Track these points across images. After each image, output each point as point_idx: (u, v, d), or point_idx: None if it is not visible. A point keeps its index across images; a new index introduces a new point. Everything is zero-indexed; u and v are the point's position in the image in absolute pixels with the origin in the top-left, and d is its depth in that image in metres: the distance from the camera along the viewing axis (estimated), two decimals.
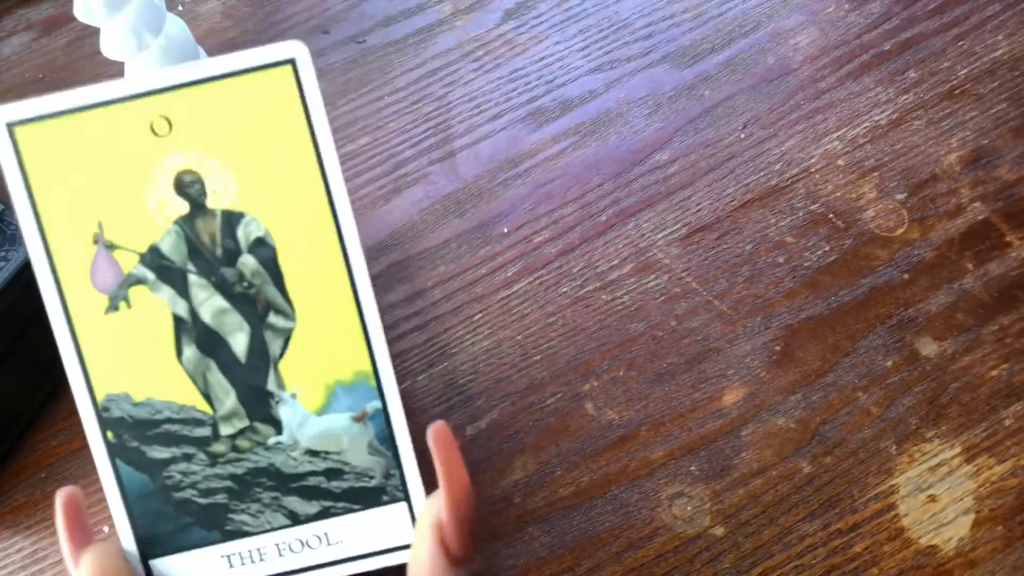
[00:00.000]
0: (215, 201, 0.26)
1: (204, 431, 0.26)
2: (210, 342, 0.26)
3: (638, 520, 0.38)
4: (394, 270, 0.44)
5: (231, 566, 0.27)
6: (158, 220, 0.26)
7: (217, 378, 0.26)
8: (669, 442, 0.39)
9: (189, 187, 0.26)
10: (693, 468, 0.38)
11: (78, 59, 0.52)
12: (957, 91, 0.46)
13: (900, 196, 0.44)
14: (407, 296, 0.43)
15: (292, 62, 0.25)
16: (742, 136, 0.46)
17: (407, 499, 0.27)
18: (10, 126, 0.25)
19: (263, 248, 0.26)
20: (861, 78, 0.47)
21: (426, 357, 0.42)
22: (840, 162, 0.45)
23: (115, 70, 0.51)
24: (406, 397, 0.41)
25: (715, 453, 0.39)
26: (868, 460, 0.38)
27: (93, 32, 0.52)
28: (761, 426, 0.39)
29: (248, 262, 0.26)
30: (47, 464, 0.41)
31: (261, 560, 0.27)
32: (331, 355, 0.27)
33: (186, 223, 0.26)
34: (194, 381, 0.26)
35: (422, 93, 0.49)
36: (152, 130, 0.25)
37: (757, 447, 0.39)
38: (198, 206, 0.26)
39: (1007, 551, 0.36)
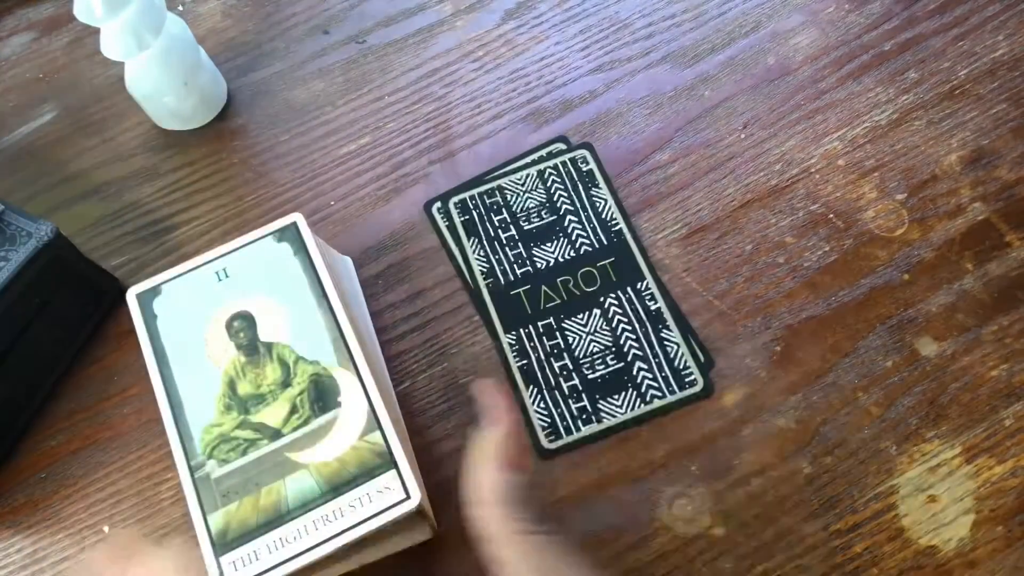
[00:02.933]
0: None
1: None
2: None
3: (638, 520, 0.38)
4: (394, 270, 0.44)
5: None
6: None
7: None
8: (669, 442, 0.39)
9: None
10: (693, 468, 0.38)
11: (78, 59, 0.52)
12: (957, 91, 0.46)
13: (900, 196, 0.44)
14: (407, 296, 0.43)
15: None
16: (742, 136, 0.46)
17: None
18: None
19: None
20: (861, 78, 0.47)
21: (426, 357, 0.42)
22: (840, 162, 0.45)
23: (115, 70, 0.51)
24: (406, 397, 0.41)
25: (715, 453, 0.39)
26: (868, 460, 0.38)
27: (93, 32, 0.52)
28: (761, 426, 0.39)
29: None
30: (47, 464, 0.41)
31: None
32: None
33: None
34: None
35: (422, 93, 0.49)
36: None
37: (757, 447, 0.39)
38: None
39: (1007, 551, 0.36)
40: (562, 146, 0.47)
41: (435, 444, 0.40)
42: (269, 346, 0.35)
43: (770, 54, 0.48)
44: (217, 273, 0.37)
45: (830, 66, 0.48)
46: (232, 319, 0.36)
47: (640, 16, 0.50)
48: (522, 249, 0.44)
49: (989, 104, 0.46)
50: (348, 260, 0.44)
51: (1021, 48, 0.47)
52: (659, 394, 0.40)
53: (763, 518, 0.37)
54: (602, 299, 0.42)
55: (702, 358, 0.41)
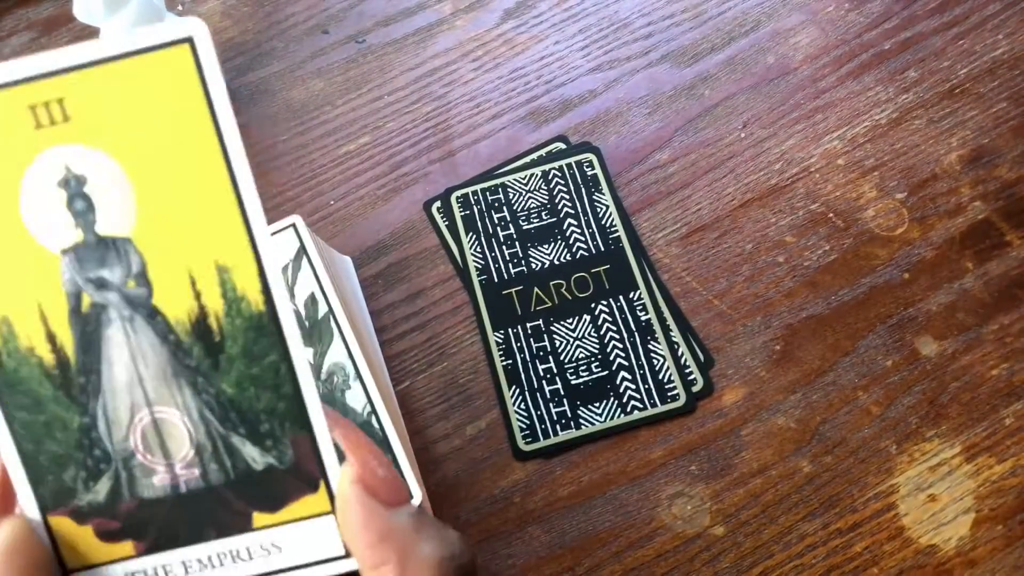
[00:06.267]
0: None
1: None
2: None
3: (638, 520, 0.38)
4: (394, 270, 0.44)
5: None
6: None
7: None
8: (669, 442, 0.39)
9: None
10: (693, 468, 0.38)
11: None
12: (957, 90, 0.46)
13: (900, 195, 0.44)
14: (407, 296, 0.43)
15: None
16: (742, 136, 0.46)
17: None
18: None
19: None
20: (861, 77, 0.47)
21: (426, 357, 0.42)
22: (840, 161, 0.45)
23: None
24: (406, 397, 0.41)
25: (715, 453, 0.39)
26: (868, 460, 0.38)
27: (93, 32, 0.52)
28: (761, 426, 0.39)
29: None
30: None
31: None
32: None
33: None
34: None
35: (422, 93, 0.49)
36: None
37: (757, 447, 0.39)
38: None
39: (1007, 550, 0.36)
40: (562, 146, 0.47)
41: (435, 444, 0.40)
42: None
43: (770, 53, 0.48)
44: None
45: (830, 65, 0.48)
46: None
47: (639, 15, 0.50)
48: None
49: (989, 103, 0.46)
50: (348, 260, 0.44)
51: (1021, 47, 0.47)
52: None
53: (763, 517, 0.37)
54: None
55: (701, 357, 0.41)
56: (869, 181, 0.44)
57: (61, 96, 0.22)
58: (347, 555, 0.25)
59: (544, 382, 0.41)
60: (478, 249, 0.44)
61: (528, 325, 0.42)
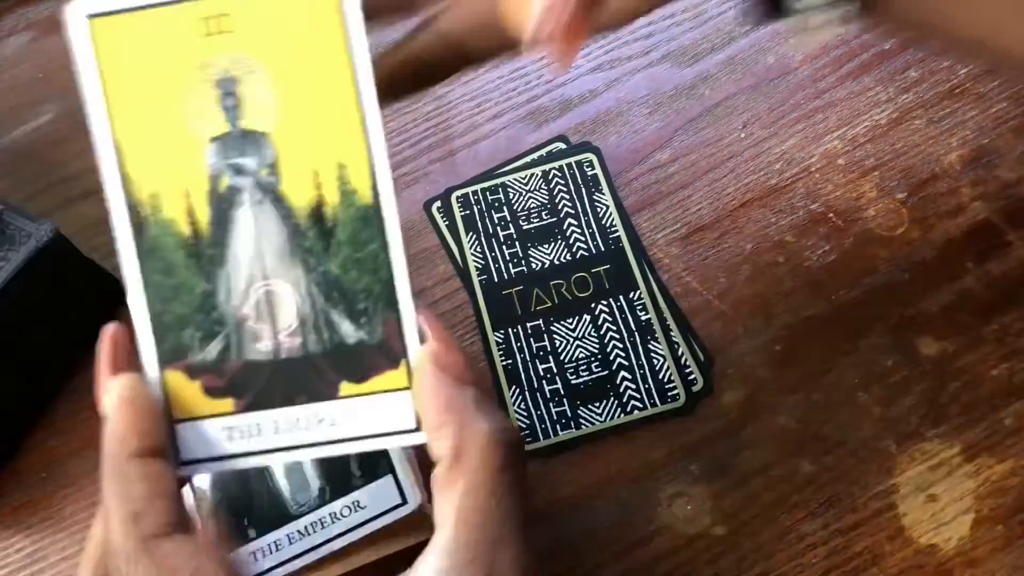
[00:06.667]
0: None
1: None
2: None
3: (638, 520, 0.38)
4: None
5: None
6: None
7: None
8: (669, 442, 0.39)
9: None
10: (693, 468, 0.38)
11: None
12: (957, 90, 0.46)
13: (900, 195, 0.44)
14: None
15: None
16: (742, 135, 0.46)
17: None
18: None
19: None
20: (861, 77, 0.47)
21: None
22: (840, 161, 0.45)
23: None
24: None
25: (715, 453, 0.39)
26: (868, 460, 0.38)
27: None
28: (761, 426, 0.39)
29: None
30: (47, 464, 0.41)
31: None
32: None
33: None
34: None
35: (421, 92, 0.49)
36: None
37: (757, 447, 0.39)
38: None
39: (1007, 550, 0.36)
40: (562, 146, 0.47)
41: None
42: None
43: (770, 53, 0.48)
44: None
45: (830, 65, 0.48)
46: None
47: None
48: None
49: (989, 103, 0.46)
50: None
51: None
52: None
53: (763, 518, 0.37)
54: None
55: (702, 357, 0.41)
56: (869, 181, 0.44)
57: (227, 11, 0.26)
58: (418, 428, 0.27)
59: (544, 382, 0.41)
60: (478, 249, 0.44)
61: (528, 325, 0.42)
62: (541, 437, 0.39)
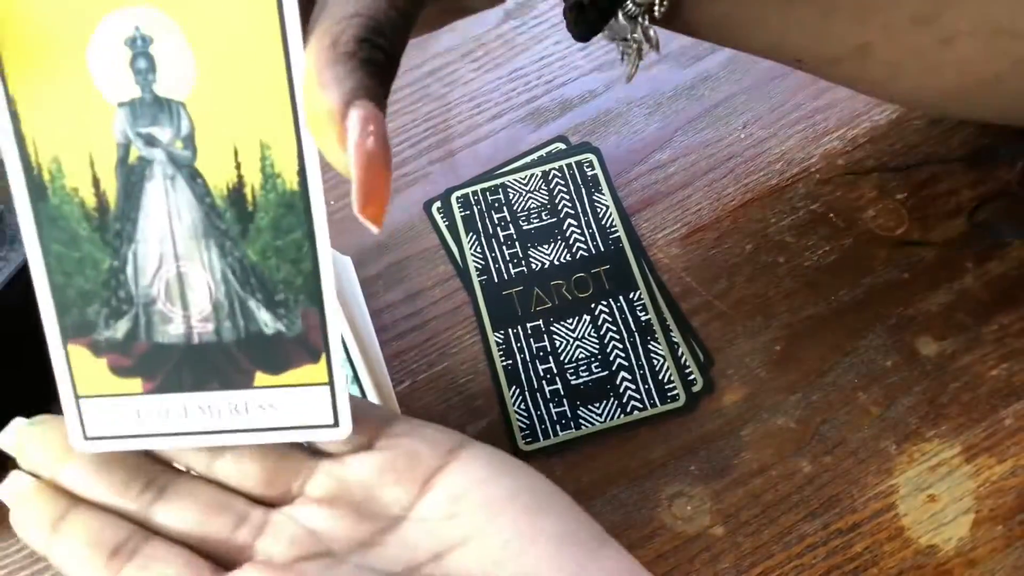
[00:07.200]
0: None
1: None
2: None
3: (638, 520, 0.38)
4: (394, 270, 0.44)
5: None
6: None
7: None
8: (669, 442, 0.39)
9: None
10: (693, 468, 0.38)
11: None
12: None
13: (900, 196, 0.44)
14: (407, 296, 0.43)
15: None
16: (742, 136, 0.46)
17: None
18: None
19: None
20: None
21: (426, 357, 0.42)
22: (840, 161, 0.45)
23: None
24: (406, 397, 0.41)
25: (715, 453, 0.39)
26: (868, 460, 0.38)
27: None
28: (761, 426, 0.39)
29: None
30: None
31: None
32: None
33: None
34: None
35: (422, 93, 0.49)
36: None
37: (757, 447, 0.39)
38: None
39: (1007, 551, 0.36)
40: (562, 146, 0.47)
41: None
42: None
43: None
44: None
45: None
46: None
47: None
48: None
49: None
50: (348, 260, 0.44)
51: None
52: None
53: (763, 518, 0.37)
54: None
55: (701, 357, 0.41)
56: (869, 181, 0.44)
57: None
58: (336, 424, 0.27)
59: (544, 382, 0.41)
60: (478, 249, 0.44)
61: (528, 325, 0.42)
62: (541, 437, 0.39)
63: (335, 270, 0.39)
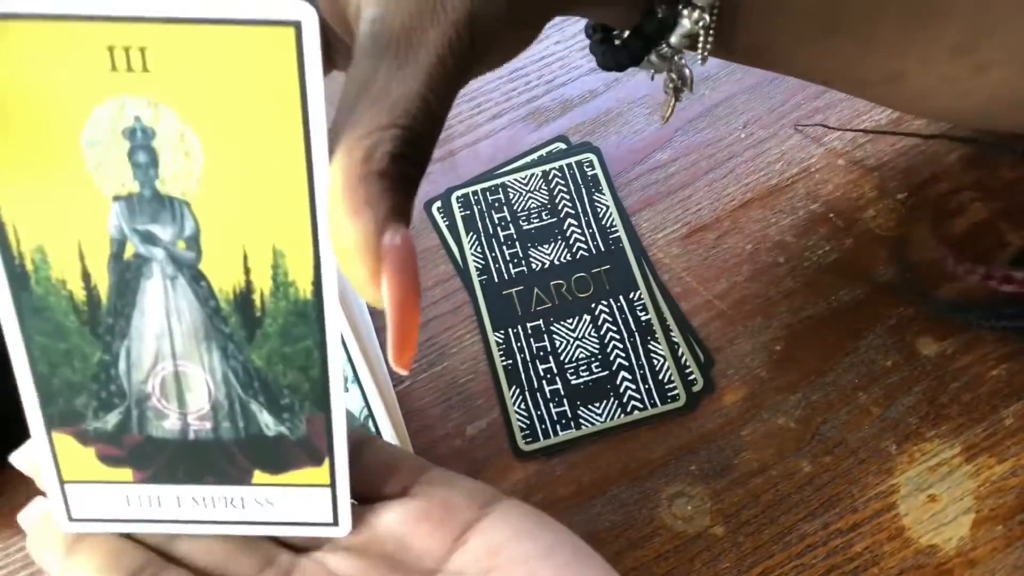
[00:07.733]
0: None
1: None
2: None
3: (638, 520, 0.38)
4: None
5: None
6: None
7: None
8: (669, 442, 0.39)
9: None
10: (693, 468, 0.38)
11: None
12: None
13: (900, 196, 0.44)
14: None
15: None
16: (742, 136, 0.46)
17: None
18: None
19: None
20: None
21: (426, 357, 0.42)
22: (840, 161, 0.45)
23: None
24: (406, 397, 0.41)
25: (715, 453, 0.39)
26: (868, 460, 0.38)
27: None
28: (761, 426, 0.39)
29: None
30: None
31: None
32: None
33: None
34: None
35: None
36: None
37: (757, 447, 0.39)
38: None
39: (1007, 550, 0.36)
40: (562, 146, 0.47)
41: (436, 444, 0.40)
42: None
43: None
44: None
45: None
46: None
47: None
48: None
49: None
50: None
51: None
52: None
53: (763, 518, 0.37)
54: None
55: (702, 357, 0.41)
56: (869, 181, 0.44)
57: (144, 45, 0.20)
58: (335, 523, 0.26)
59: (544, 382, 0.41)
60: (478, 249, 0.44)
61: (528, 325, 0.42)
62: (541, 437, 0.39)
63: (335, 270, 0.40)
